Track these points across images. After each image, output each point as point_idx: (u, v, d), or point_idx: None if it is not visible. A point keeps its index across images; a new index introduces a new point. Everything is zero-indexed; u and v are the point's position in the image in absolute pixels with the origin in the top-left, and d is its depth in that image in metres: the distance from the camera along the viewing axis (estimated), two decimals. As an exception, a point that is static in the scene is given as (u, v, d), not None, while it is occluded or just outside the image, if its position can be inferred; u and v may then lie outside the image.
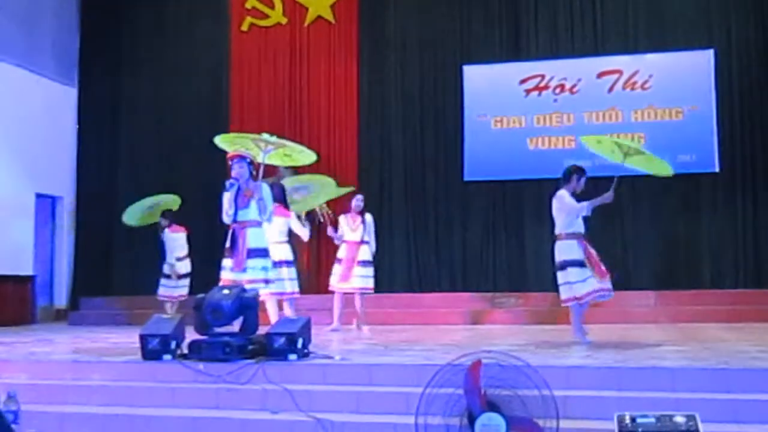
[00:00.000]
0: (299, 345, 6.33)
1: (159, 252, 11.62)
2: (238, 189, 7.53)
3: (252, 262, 7.46)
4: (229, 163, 7.70)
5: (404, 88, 13.82)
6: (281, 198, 9.01)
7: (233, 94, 14.40)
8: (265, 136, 8.34)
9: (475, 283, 12.97)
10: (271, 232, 8.45)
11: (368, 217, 10.04)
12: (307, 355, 6.44)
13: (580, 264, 7.63)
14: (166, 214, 11.52)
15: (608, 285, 7.78)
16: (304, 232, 9.59)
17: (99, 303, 13.44)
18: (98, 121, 14.78)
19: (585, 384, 5.51)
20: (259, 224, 7.59)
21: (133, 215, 11.84)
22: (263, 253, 7.58)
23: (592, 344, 7.51)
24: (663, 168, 8.43)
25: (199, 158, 13.23)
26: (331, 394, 5.79)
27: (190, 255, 11.57)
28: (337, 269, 9.96)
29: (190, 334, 6.68)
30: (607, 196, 7.85)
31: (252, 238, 7.49)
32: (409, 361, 6.40)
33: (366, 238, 9.94)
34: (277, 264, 8.46)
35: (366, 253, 9.93)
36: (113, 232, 14.46)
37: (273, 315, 8.12)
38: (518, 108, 13.28)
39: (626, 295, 11.53)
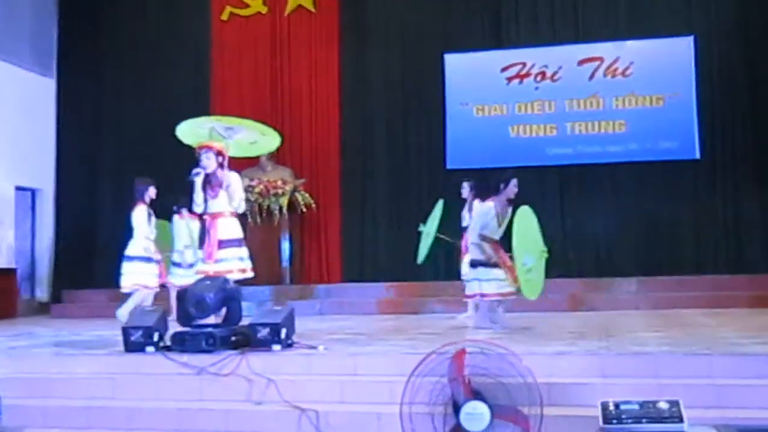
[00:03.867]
0: (283, 335, 6.32)
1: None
2: (207, 179, 7.44)
3: (224, 253, 7.39)
4: (197, 153, 7.60)
5: (386, 76, 13.78)
6: None
7: (214, 83, 14.33)
8: (216, 119, 8.24)
9: (457, 271, 12.96)
10: None
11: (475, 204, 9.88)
12: (290, 345, 6.43)
13: (493, 265, 8.07)
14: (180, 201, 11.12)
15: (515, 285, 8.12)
16: None
17: (81, 295, 13.35)
18: (78, 112, 14.64)
19: (569, 371, 5.53)
20: (230, 214, 7.50)
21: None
22: (236, 243, 7.51)
23: (577, 332, 7.56)
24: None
25: (182, 148, 13.13)
26: (316, 384, 5.77)
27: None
28: None
29: (173, 326, 6.65)
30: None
31: (223, 229, 7.42)
32: (393, 351, 6.40)
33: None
34: None
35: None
36: (95, 224, 14.38)
37: None
38: (500, 96, 13.29)
39: (608, 282, 11.60)
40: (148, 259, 9.61)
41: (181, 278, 10.65)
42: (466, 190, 10.04)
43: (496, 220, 8.20)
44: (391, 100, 13.74)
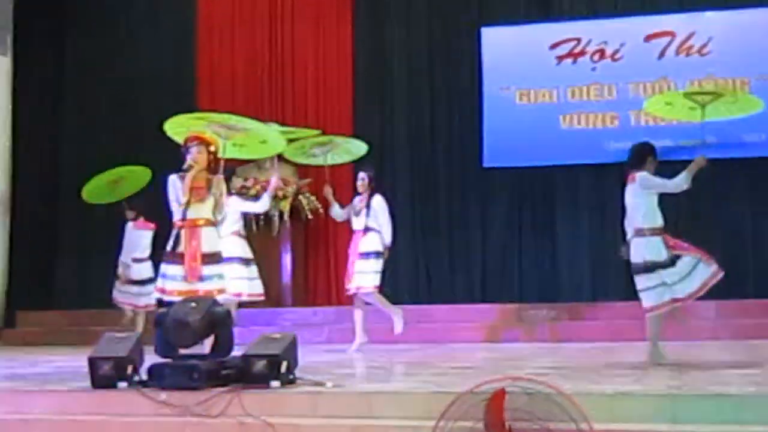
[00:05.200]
0: (283, 369, 6.30)
1: (119, 247, 11.52)
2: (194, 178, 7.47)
3: (209, 269, 7.43)
4: (186, 146, 7.61)
5: (409, 56, 13.81)
6: None
7: (201, 64, 14.39)
8: (225, 117, 8.30)
9: (497, 292, 12.95)
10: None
11: (375, 199, 9.92)
12: (292, 381, 6.42)
13: (671, 264, 7.70)
14: (135, 203, 11.40)
15: (715, 265, 7.94)
16: (253, 206, 10.10)
17: (39, 318, 13.43)
18: (37, 98, 14.75)
19: (632, 415, 5.48)
20: (212, 224, 7.54)
21: (94, 193, 11.67)
22: (218, 258, 7.57)
23: (645, 366, 7.53)
24: (751, 103, 8.38)
25: (159, 141, 13.18)
26: (323, 429, 5.77)
27: (152, 258, 11.47)
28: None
29: (151, 357, 6.66)
30: (701, 160, 8.05)
31: (206, 241, 7.45)
32: (417, 389, 6.38)
33: (372, 225, 9.84)
34: (227, 260, 8.37)
35: (369, 243, 9.85)
36: (57, 232, 14.47)
37: None
38: (549, 79, 13.27)
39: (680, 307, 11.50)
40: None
41: (120, 294, 10.95)
42: (364, 182, 9.98)
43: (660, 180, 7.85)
44: (416, 85, 13.76)
